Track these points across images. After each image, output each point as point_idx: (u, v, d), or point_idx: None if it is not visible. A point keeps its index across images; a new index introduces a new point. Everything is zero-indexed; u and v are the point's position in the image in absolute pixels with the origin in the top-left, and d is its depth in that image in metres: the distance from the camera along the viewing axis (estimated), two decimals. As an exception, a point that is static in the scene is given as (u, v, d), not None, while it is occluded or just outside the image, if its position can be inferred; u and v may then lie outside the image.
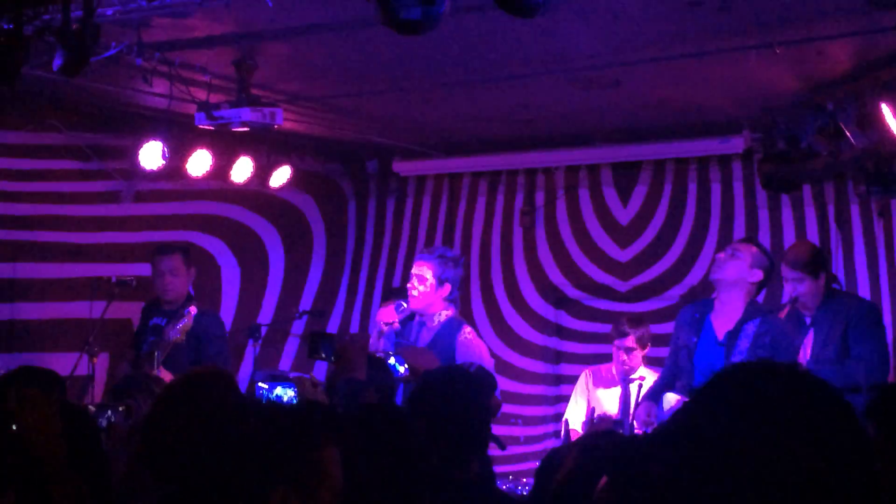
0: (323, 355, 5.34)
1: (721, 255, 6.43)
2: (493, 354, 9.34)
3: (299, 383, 4.93)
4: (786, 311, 6.53)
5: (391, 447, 3.25)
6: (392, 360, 5.57)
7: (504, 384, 9.38)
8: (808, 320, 6.73)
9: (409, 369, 5.54)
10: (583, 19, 5.91)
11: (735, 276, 6.25)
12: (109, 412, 4.31)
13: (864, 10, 5.65)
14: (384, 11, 4.47)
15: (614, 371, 7.68)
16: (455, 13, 5.31)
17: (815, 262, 6.74)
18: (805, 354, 6.59)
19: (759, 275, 6.31)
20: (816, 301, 6.69)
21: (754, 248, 6.37)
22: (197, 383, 3.63)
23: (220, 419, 3.35)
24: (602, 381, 7.72)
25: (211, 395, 3.52)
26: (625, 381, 7.34)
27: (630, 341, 7.51)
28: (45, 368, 4.45)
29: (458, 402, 3.76)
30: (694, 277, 8.94)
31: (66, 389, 4.43)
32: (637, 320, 7.75)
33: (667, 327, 7.52)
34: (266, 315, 9.99)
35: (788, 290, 6.77)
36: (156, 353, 6.72)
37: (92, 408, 4.37)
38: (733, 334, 6.17)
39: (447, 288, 6.55)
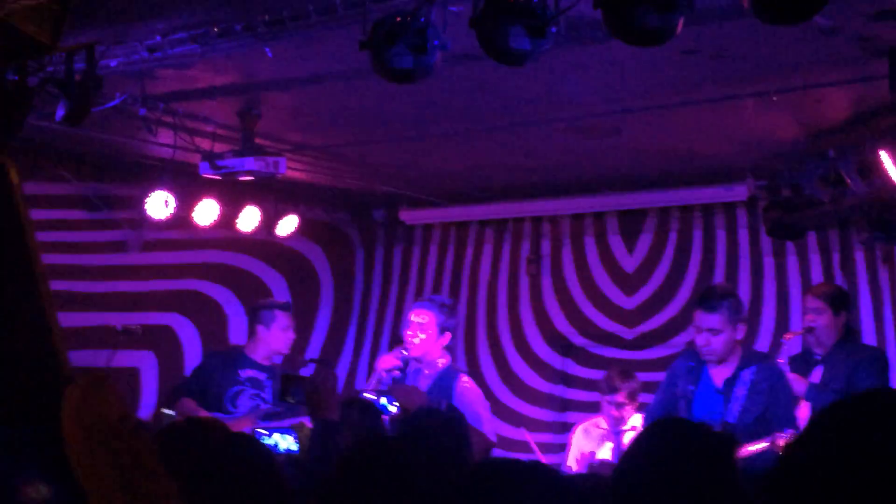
0: (294, 399, 5.32)
1: (700, 334, 6.17)
2: (498, 402, 9.39)
3: (299, 430, 4.94)
4: (783, 353, 6.52)
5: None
6: (383, 400, 5.59)
7: (509, 432, 9.38)
8: (818, 357, 6.70)
9: (401, 408, 5.56)
10: (579, 68, 5.96)
11: (725, 348, 6.17)
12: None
13: (859, 57, 5.68)
14: (377, 61, 4.54)
15: (604, 424, 7.52)
16: (452, 62, 5.39)
17: (839, 299, 6.73)
18: (813, 379, 6.55)
19: (742, 329, 6.24)
20: (831, 339, 6.64)
21: (725, 313, 6.11)
22: (188, 430, 3.66)
23: (206, 466, 3.37)
24: (594, 441, 7.55)
25: (200, 441, 3.54)
26: (617, 434, 7.28)
27: (621, 397, 7.40)
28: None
29: (434, 441, 3.77)
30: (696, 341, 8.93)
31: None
32: (627, 373, 7.62)
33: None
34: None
35: (807, 321, 6.72)
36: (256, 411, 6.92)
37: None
38: (731, 382, 6.13)
39: (447, 337, 6.59)
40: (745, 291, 8.80)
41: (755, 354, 6.39)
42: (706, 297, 6.23)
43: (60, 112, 5.59)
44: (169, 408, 7.26)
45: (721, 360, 6.16)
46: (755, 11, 4.03)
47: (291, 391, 5.49)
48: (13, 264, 1.99)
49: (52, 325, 2.05)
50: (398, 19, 4.48)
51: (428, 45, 4.44)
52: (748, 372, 6.12)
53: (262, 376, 7.34)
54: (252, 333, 7.52)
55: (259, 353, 7.41)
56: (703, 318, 6.15)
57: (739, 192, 8.58)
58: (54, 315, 2.03)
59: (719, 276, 9.00)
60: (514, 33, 4.15)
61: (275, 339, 7.43)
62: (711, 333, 6.11)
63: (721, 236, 9.08)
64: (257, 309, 7.57)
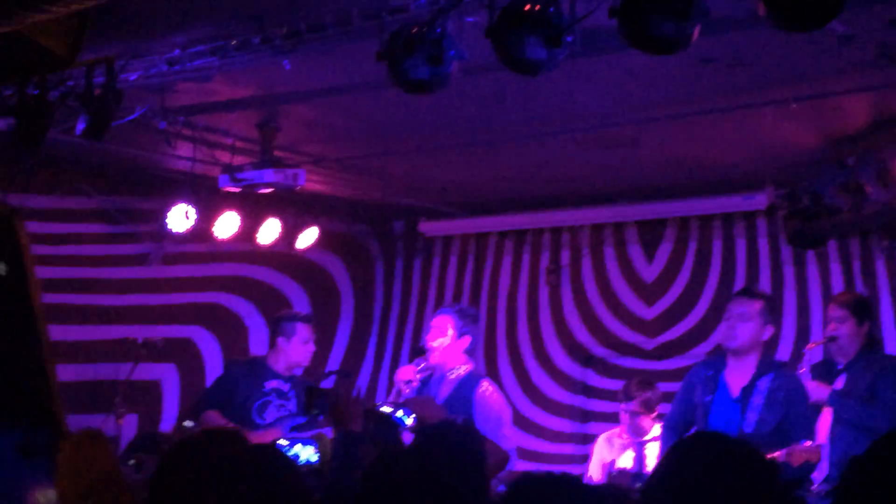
0: (317, 410, 5.34)
1: (729, 318, 6.23)
2: (519, 413, 9.38)
3: (319, 440, 4.95)
4: (805, 363, 6.49)
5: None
6: (399, 413, 5.59)
7: (530, 443, 9.38)
8: (840, 366, 6.67)
9: (418, 420, 5.55)
10: (597, 79, 5.97)
11: (750, 341, 6.14)
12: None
13: (877, 65, 5.67)
14: (393, 71, 4.56)
15: (624, 436, 7.55)
16: (470, 73, 5.41)
17: (863, 308, 6.69)
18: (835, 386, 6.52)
19: (770, 330, 6.23)
20: (854, 348, 6.59)
21: (759, 304, 6.15)
22: (206, 441, 3.66)
23: (225, 477, 3.37)
24: (616, 450, 7.58)
25: (218, 452, 3.54)
26: (639, 445, 7.27)
27: (635, 405, 7.40)
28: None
29: (448, 457, 3.76)
30: (720, 334, 8.89)
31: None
32: (647, 383, 7.63)
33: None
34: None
35: (829, 329, 6.68)
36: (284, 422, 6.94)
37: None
38: (747, 391, 6.09)
39: (466, 340, 6.57)
40: (765, 300, 8.77)
41: (772, 363, 6.34)
42: (746, 288, 6.37)
43: (81, 126, 5.63)
44: (193, 420, 7.24)
45: (740, 352, 6.12)
46: (771, 19, 4.03)
47: (316, 403, 5.52)
48: (15, 310, 2.07)
49: (47, 364, 2.11)
50: (414, 30, 4.50)
51: (444, 56, 4.46)
52: (765, 380, 6.09)
53: (285, 387, 7.34)
54: (273, 345, 7.51)
55: (280, 365, 7.41)
56: (736, 305, 6.17)
57: (759, 200, 8.56)
58: (53, 362, 2.09)
59: (739, 286, 8.94)
60: (530, 43, 4.16)
61: (295, 351, 7.42)
62: (740, 319, 6.11)
63: (741, 245, 9.06)
64: (279, 320, 7.56)
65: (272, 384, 7.31)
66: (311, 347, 7.52)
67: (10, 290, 1.90)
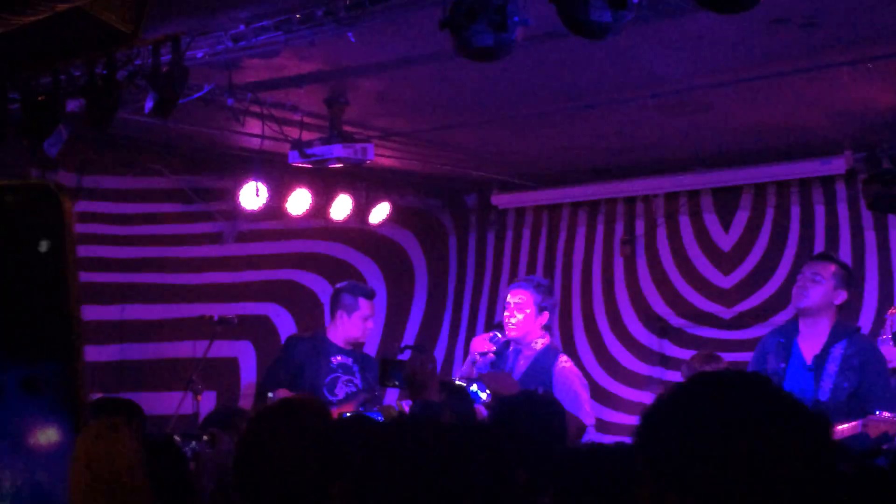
0: (395, 382, 5.35)
1: (801, 279, 6.18)
2: (596, 385, 9.31)
3: (385, 412, 4.96)
4: (888, 329, 6.34)
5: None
6: (474, 387, 5.56)
7: (608, 415, 9.30)
8: None
9: (492, 395, 5.53)
10: (666, 43, 5.86)
11: (821, 301, 6.04)
12: (194, 442, 4.38)
13: (957, 20, 5.49)
14: (457, 40, 4.50)
15: None
16: (537, 41, 5.34)
17: None
18: None
19: (843, 295, 6.10)
20: None
21: (833, 267, 6.12)
22: (290, 411, 3.63)
23: (311, 446, 3.34)
24: None
25: (304, 422, 3.51)
26: None
27: None
28: (124, 399, 4.56)
29: (528, 426, 3.74)
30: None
31: (146, 419, 4.53)
32: (710, 356, 7.52)
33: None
34: (369, 351, 10.01)
35: None
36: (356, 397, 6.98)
37: (177, 437, 4.45)
38: (821, 358, 5.98)
39: (545, 316, 6.53)
40: (846, 267, 8.60)
41: (845, 328, 6.21)
42: (821, 252, 6.41)
43: (149, 104, 5.65)
44: (262, 401, 7.24)
45: (811, 313, 6.03)
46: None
47: (391, 375, 5.52)
48: (50, 283, 2.05)
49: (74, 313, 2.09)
50: (478, -3, 4.43)
51: (508, 22, 4.39)
52: (839, 346, 5.97)
53: (349, 361, 7.33)
54: (333, 317, 7.47)
55: (339, 338, 7.38)
56: (810, 267, 6.16)
57: (837, 165, 8.38)
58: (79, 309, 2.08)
59: (818, 252, 8.80)
60: (595, 5, 4.08)
61: (354, 326, 7.35)
62: (812, 279, 6.05)
63: (820, 211, 8.87)
64: (340, 292, 7.48)
65: (337, 359, 7.29)
66: (370, 325, 7.45)
67: (48, 267, 1.89)
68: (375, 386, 7.24)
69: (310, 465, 3.19)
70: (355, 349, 7.45)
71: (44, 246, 2.07)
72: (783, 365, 6.09)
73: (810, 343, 6.06)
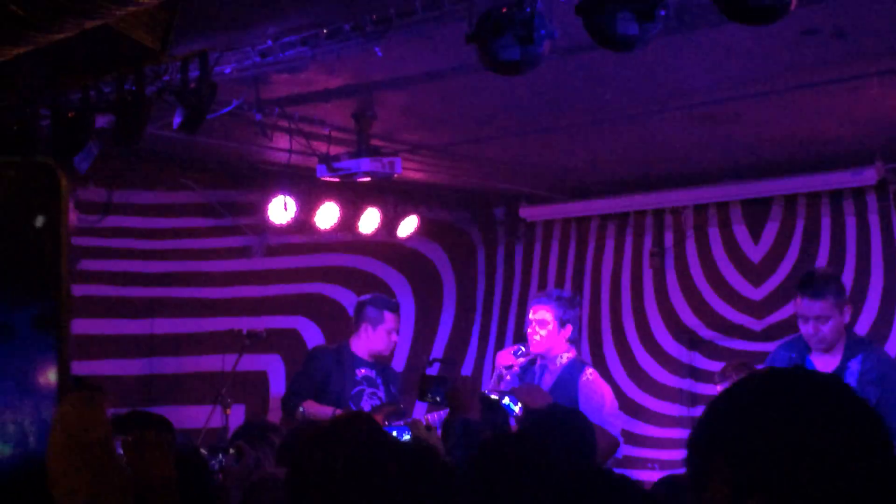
0: (435, 398, 5.31)
1: (808, 326, 5.89)
2: (626, 397, 9.27)
3: (414, 427, 4.94)
4: None
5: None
6: (506, 400, 5.55)
7: (638, 428, 9.26)
8: None
9: (524, 408, 5.51)
10: (695, 54, 5.83)
11: (836, 333, 5.91)
12: (221, 455, 4.39)
13: None
14: (484, 53, 4.50)
15: None
16: (564, 54, 5.32)
17: None
18: None
19: (849, 311, 5.98)
20: None
21: (831, 298, 5.85)
22: (343, 426, 3.62)
23: (363, 461, 3.33)
24: None
25: (356, 437, 3.49)
26: None
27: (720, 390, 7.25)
28: (156, 414, 4.57)
29: (555, 439, 3.72)
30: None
31: (176, 434, 4.53)
32: (743, 365, 7.43)
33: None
34: (398, 363, 10.04)
35: None
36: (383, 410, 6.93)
37: (204, 451, 4.46)
38: (839, 373, 5.86)
39: (569, 329, 6.51)
40: (877, 279, 8.54)
41: (859, 342, 6.08)
42: (810, 284, 5.94)
43: (177, 119, 5.68)
44: (287, 413, 7.23)
45: (830, 348, 5.92)
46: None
47: (431, 391, 5.49)
48: (45, 249, 2.16)
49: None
50: (504, 10, 4.43)
51: (535, 36, 4.38)
52: (855, 362, 5.83)
53: (372, 374, 7.32)
54: (356, 330, 7.46)
55: (363, 351, 7.37)
56: (810, 306, 5.88)
57: (868, 175, 8.32)
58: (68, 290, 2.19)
59: (850, 264, 8.74)
60: (622, 18, 4.06)
61: (379, 339, 7.34)
62: (820, 322, 5.85)
63: (851, 223, 8.80)
64: (364, 305, 7.46)
65: (362, 372, 7.28)
66: (395, 338, 7.43)
67: (43, 239, 2.00)
68: (399, 399, 7.24)
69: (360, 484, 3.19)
70: (378, 362, 7.45)
71: (40, 221, 2.18)
72: None
73: (825, 359, 5.93)
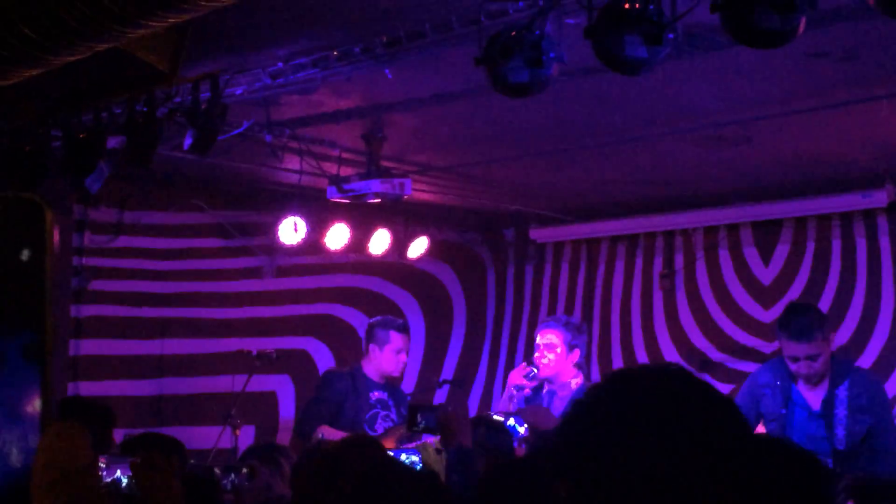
0: (425, 426, 5.28)
1: (799, 366, 5.82)
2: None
3: (423, 450, 4.94)
4: None
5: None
6: (511, 422, 5.54)
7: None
8: None
9: (529, 429, 5.50)
10: (704, 77, 5.84)
11: (826, 365, 5.85)
12: (233, 475, 4.39)
13: None
14: (493, 76, 4.51)
15: None
16: (574, 76, 5.34)
17: None
18: None
19: (833, 339, 5.94)
20: None
21: (818, 336, 5.79)
22: (350, 449, 3.62)
23: (370, 490, 3.33)
24: None
25: (363, 465, 3.50)
26: None
27: None
28: (169, 436, 4.58)
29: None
30: (841, 337, 8.62)
31: (187, 455, 4.54)
32: None
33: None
34: (408, 384, 10.03)
35: None
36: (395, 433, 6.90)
37: (217, 470, 4.46)
38: (829, 402, 5.80)
39: (577, 353, 6.53)
40: (888, 302, 8.51)
41: (845, 367, 6.04)
42: (795, 327, 5.82)
43: (188, 141, 5.71)
44: (303, 438, 7.22)
45: (822, 380, 5.87)
46: (882, 8, 3.88)
47: (419, 420, 5.47)
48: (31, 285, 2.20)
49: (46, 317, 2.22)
50: (513, 33, 4.44)
51: (544, 58, 4.39)
52: (842, 389, 5.78)
53: (384, 396, 7.32)
54: (366, 352, 7.47)
55: (374, 373, 7.38)
56: (798, 348, 5.81)
57: (879, 198, 8.30)
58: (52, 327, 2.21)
59: (860, 287, 8.72)
60: (631, 41, 4.07)
61: (387, 360, 7.35)
62: (812, 360, 5.81)
63: (861, 245, 8.78)
64: (373, 327, 7.49)
65: (375, 395, 7.29)
66: (403, 358, 7.44)
67: (28, 273, 2.05)
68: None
69: None
70: (389, 384, 7.46)
71: (25, 254, 2.21)
72: (784, 411, 5.86)
73: (812, 390, 5.89)
